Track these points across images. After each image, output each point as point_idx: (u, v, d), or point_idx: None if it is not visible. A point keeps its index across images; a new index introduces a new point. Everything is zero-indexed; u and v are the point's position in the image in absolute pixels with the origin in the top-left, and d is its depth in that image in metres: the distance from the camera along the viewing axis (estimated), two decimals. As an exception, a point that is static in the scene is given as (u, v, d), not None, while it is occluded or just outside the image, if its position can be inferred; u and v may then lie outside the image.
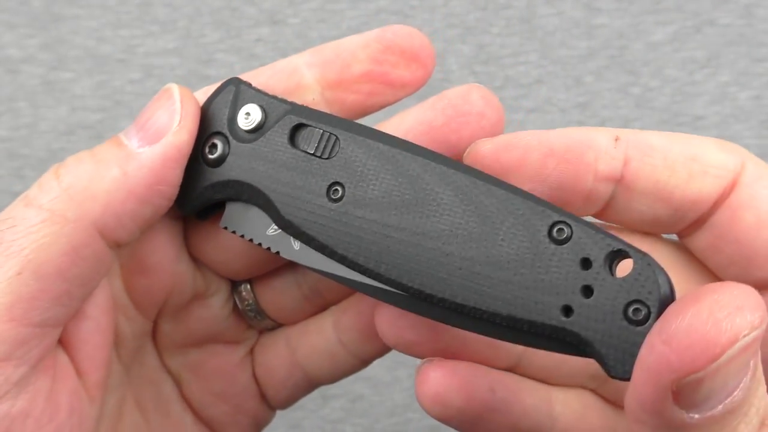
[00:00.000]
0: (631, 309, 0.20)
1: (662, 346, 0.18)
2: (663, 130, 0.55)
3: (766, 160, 0.56)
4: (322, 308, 0.27)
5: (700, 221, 0.24)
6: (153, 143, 0.23)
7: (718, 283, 0.19)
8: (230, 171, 0.24)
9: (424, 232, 0.21)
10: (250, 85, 0.25)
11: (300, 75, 0.25)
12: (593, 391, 0.28)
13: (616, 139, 0.24)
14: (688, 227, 0.25)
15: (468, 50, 0.56)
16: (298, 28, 0.56)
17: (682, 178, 0.24)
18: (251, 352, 0.28)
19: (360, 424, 0.53)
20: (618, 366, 0.20)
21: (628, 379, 0.20)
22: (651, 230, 0.25)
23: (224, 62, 0.55)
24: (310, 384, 0.29)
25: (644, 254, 0.20)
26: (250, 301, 0.27)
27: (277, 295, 0.27)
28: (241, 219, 0.24)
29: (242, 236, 0.24)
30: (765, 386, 0.20)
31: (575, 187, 0.23)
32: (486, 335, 0.22)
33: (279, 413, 0.53)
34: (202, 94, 0.26)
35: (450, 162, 0.22)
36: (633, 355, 0.19)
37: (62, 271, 0.21)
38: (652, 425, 0.19)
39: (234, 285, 0.28)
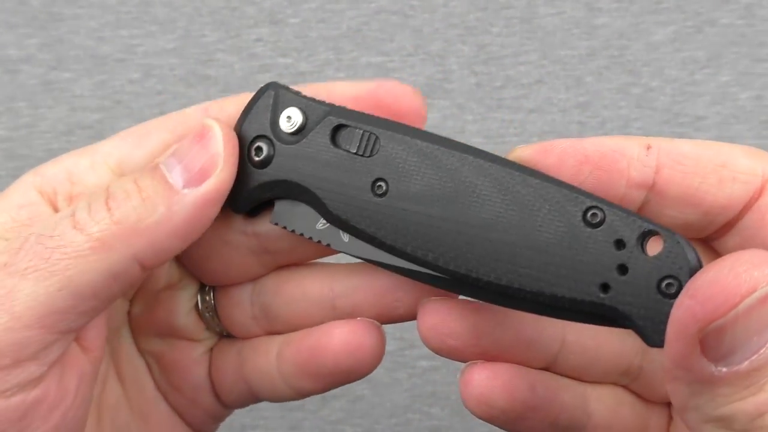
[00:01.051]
0: (664, 283, 0.22)
1: (688, 300, 0.20)
2: (664, 130, 0.55)
3: (766, 160, 0.56)
4: (270, 332, 0.28)
5: (729, 225, 0.26)
6: (196, 185, 0.24)
7: (742, 250, 0.21)
8: (277, 171, 0.25)
9: (467, 221, 0.23)
10: (288, 88, 0.26)
11: None
12: (625, 387, 0.29)
13: (648, 147, 0.25)
14: (717, 231, 0.26)
15: (468, 50, 0.56)
16: (298, 28, 0.56)
17: (712, 184, 0.25)
18: (210, 352, 0.30)
19: (360, 425, 0.53)
20: (655, 336, 0.22)
21: (662, 346, 0.21)
22: (682, 234, 0.26)
23: (224, 62, 0.55)
24: (253, 396, 0.30)
25: (673, 233, 0.22)
26: (210, 305, 0.29)
27: (231, 307, 0.28)
28: (290, 215, 0.26)
29: (293, 231, 0.26)
30: None
31: (609, 192, 0.25)
32: (531, 312, 0.23)
33: (279, 413, 0.53)
34: (234, 106, 0.27)
35: (487, 155, 0.24)
36: (663, 319, 0.21)
37: (97, 292, 0.24)
38: (686, 380, 0.21)
39: (201, 287, 0.29)
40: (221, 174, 0.25)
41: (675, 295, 0.21)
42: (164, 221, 0.24)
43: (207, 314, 0.29)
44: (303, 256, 0.28)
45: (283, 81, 0.53)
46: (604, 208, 0.22)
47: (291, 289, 0.28)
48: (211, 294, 0.29)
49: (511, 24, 0.56)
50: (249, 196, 0.26)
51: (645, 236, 0.22)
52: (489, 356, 0.27)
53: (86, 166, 0.27)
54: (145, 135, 0.27)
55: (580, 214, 0.22)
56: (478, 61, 0.56)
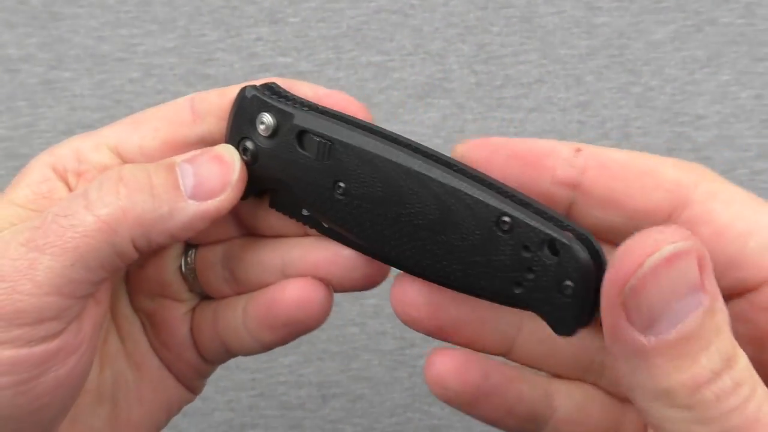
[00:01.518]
0: (561, 286, 0.25)
1: (608, 272, 0.22)
2: (663, 129, 0.55)
3: (766, 159, 0.56)
4: (238, 292, 0.32)
5: None
6: (202, 200, 0.28)
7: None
8: (264, 168, 0.29)
9: (406, 221, 0.26)
10: (260, 91, 0.29)
11: None
12: (594, 384, 0.30)
13: (578, 150, 0.27)
14: None
15: (468, 49, 0.56)
16: (298, 27, 0.56)
17: (636, 189, 0.26)
18: (192, 312, 0.33)
19: (360, 424, 0.53)
20: (561, 327, 0.25)
21: (570, 335, 0.25)
22: (611, 238, 0.27)
23: (224, 61, 0.55)
24: (227, 352, 0.33)
25: (569, 241, 0.25)
26: (191, 267, 0.32)
27: (207, 269, 0.32)
28: (282, 202, 0.30)
29: (285, 214, 0.30)
30: (730, 333, 0.22)
31: (534, 188, 0.27)
32: (470, 294, 0.27)
33: (279, 412, 0.53)
34: (217, 96, 0.31)
35: (427, 159, 0.27)
36: (571, 319, 0.24)
37: (104, 265, 0.27)
38: (623, 356, 0.22)
39: (185, 249, 0.33)
40: (225, 200, 0.28)
41: (573, 296, 0.24)
42: (163, 220, 0.28)
43: (189, 275, 0.33)
44: (281, 233, 0.32)
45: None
46: (514, 215, 0.25)
47: (250, 257, 0.31)
48: (192, 256, 0.33)
49: (511, 23, 0.56)
50: (249, 188, 0.30)
51: (545, 243, 0.25)
52: (447, 330, 0.29)
53: (90, 147, 0.30)
54: (141, 122, 0.30)
55: (493, 220, 0.25)
56: (478, 60, 0.56)
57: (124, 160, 0.30)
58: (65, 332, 0.28)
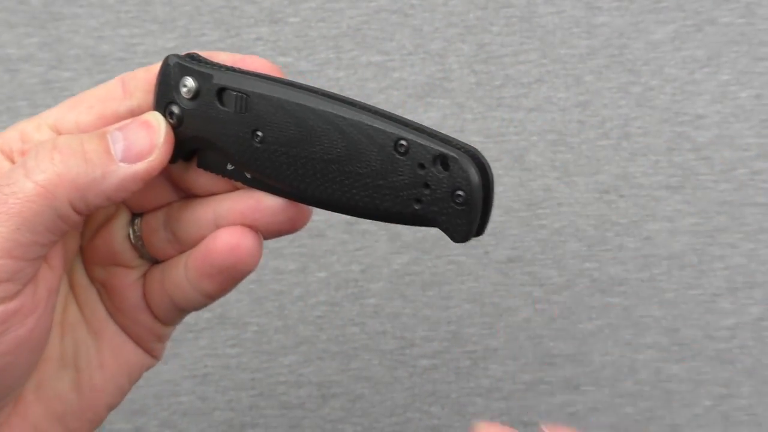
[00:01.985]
0: (454, 195, 0.28)
1: None
2: (663, 129, 0.55)
3: (766, 159, 0.56)
4: (181, 251, 0.34)
5: None
6: (132, 162, 0.31)
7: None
8: (188, 129, 0.31)
9: (316, 158, 0.29)
10: (182, 58, 0.32)
11: None
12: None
13: None
14: None
15: (468, 49, 0.56)
16: (298, 27, 0.56)
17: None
18: (143, 277, 0.35)
19: (360, 424, 0.53)
20: (457, 234, 0.28)
21: (465, 241, 0.28)
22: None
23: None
24: (177, 309, 0.35)
25: (462, 154, 0.28)
26: (138, 235, 0.35)
27: (151, 234, 0.35)
28: (209, 161, 0.32)
29: (213, 172, 0.33)
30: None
31: None
32: (382, 221, 0.30)
33: (279, 412, 0.53)
34: (144, 72, 0.34)
35: (327, 100, 0.30)
36: (465, 225, 0.28)
37: (49, 228, 0.30)
38: None
39: (131, 219, 0.35)
40: (154, 161, 0.31)
41: (464, 203, 0.28)
42: (97, 183, 0.30)
43: (137, 243, 0.35)
44: (207, 188, 0.34)
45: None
46: (409, 139, 0.28)
47: (187, 216, 0.34)
48: (139, 224, 0.35)
49: (510, 23, 0.56)
50: (177, 150, 0.32)
51: (438, 159, 0.28)
52: None
53: (33, 127, 0.33)
54: (77, 102, 0.33)
55: (392, 144, 0.28)
56: (477, 60, 0.56)
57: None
58: (21, 294, 0.30)
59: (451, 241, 0.29)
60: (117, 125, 0.32)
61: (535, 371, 0.53)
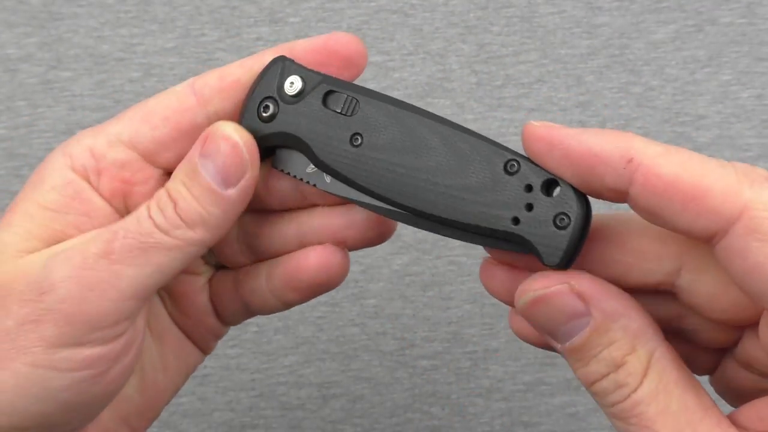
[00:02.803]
0: (558, 219, 0.29)
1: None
2: (664, 129, 0.55)
3: (767, 159, 0.55)
4: (254, 261, 0.35)
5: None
6: (234, 185, 0.31)
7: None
8: (280, 125, 0.32)
9: (419, 168, 0.30)
10: (293, 61, 0.33)
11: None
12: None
13: (629, 161, 0.27)
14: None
15: (468, 49, 0.56)
16: (298, 27, 0.56)
17: (678, 213, 0.27)
18: (209, 282, 0.36)
19: (360, 425, 0.53)
20: (550, 258, 0.29)
21: (556, 267, 0.28)
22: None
23: (224, 61, 0.55)
24: (248, 313, 0.36)
25: (569, 183, 0.29)
26: None
27: (223, 245, 0.35)
28: (287, 161, 0.33)
29: (288, 173, 0.33)
30: (626, 342, 0.27)
31: (585, 186, 0.29)
32: (462, 240, 0.30)
33: (279, 413, 0.53)
34: (238, 68, 0.33)
35: (437, 117, 0.31)
36: (560, 250, 0.28)
37: (176, 272, 0.31)
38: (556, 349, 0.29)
39: None
40: (250, 177, 0.31)
41: (565, 228, 0.28)
42: (219, 218, 0.31)
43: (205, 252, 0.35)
44: (281, 201, 0.35)
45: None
46: (520, 161, 0.29)
47: (267, 231, 0.34)
48: None
49: (511, 23, 0.56)
50: (258, 144, 0.32)
51: (548, 184, 0.29)
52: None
53: (104, 144, 0.32)
54: (149, 114, 0.33)
55: (502, 164, 0.29)
56: (478, 60, 0.56)
57: (139, 153, 0.32)
58: (131, 328, 0.31)
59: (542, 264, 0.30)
60: (197, 151, 0.31)
61: (535, 372, 0.53)
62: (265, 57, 0.32)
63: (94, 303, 0.29)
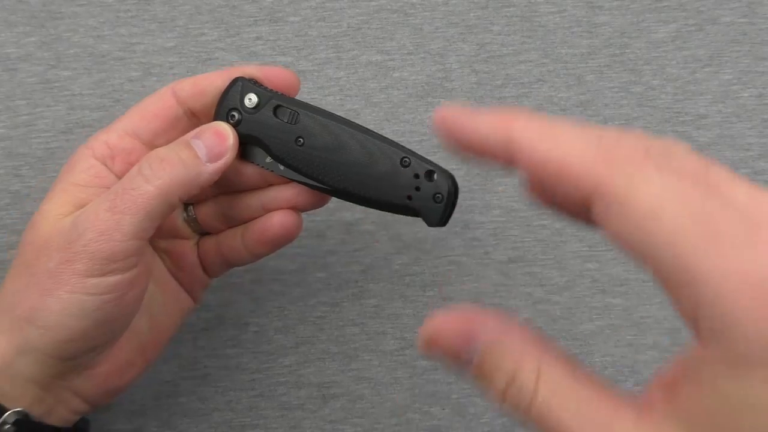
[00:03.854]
0: (435, 196, 0.42)
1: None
2: (665, 129, 0.55)
3: (767, 158, 0.55)
4: (231, 226, 0.47)
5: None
6: (215, 161, 0.42)
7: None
8: (245, 128, 0.44)
9: (342, 162, 0.43)
10: (249, 80, 0.44)
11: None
12: None
13: (510, 142, 0.30)
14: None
15: (468, 49, 0.56)
16: (298, 27, 0.56)
17: (554, 185, 0.30)
18: (197, 244, 0.48)
19: (360, 425, 0.53)
20: (431, 222, 0.42)
21: (436, 226, 0.42)
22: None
23: (224, 60, 0.55)
24: (227, 264, 0.48)
25: (444, 171, 0.42)
26: (192, 216, 0.47)
27: (205, 217, 0.47)
28: (251, 154, 0.44)
29: (252, 162, 0.45)
30: (513, 358, 0.30)
31: (485, 159, 0.32)
32: (375, 208, 0.43)
33: (279, 413, 0.53)
34: (205, 79, 0.45)
35: (355, 125, 0.43)
36: (437, 217, 0.42)
37: (163, 216, 0.41)
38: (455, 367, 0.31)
39: (185, 206, 0.47)
40: (229, 157, 0.43)
41: (440, 202, 0.42)
42: (195, 180, 0.41)
43: (191, 222, 0.47)
44: (247, 183, 0.46)
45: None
46: (411, 158, 0.42)
47: (238, 204, 0.46)
48: (191, 210, 0.47)
49: (511, 22, 0.56)
50: None
51: (429, 173, 0.42)
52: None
53: (116, 137, 0.44)
54: (143, 112, 0.44)
55: (398, 159, 0.42)
56: (478, 59, 0.56)
57: (141, 141, 0.44)
58: (140, 263, 0.41)
59: (426, 225, 0.43)
60: (193, 133, 0.43)
61: (535, 372, 0.53)
62: (224, 75, 0.44)
63: (107, 243, 0.40)
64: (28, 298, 0.40)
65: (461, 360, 0.31)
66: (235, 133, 0.43)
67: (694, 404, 0.27)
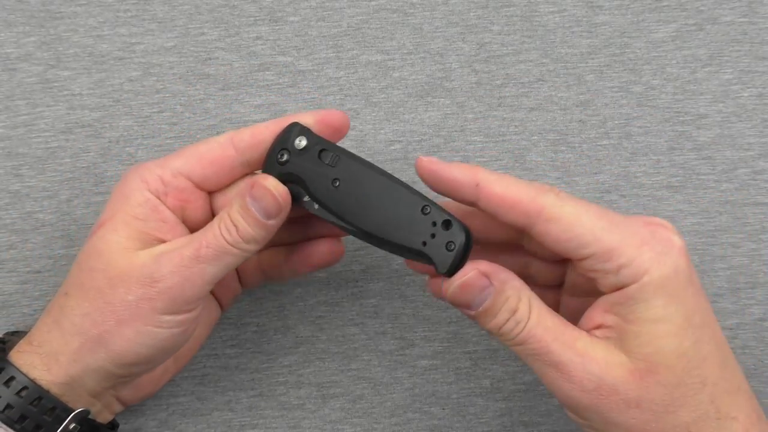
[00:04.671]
0: (448, 245, 0.44)
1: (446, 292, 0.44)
2: (665, 128, 0.55)
3: (767, 159, 0.55)
4: (272, 246, 0.50)
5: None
6: (273, 218, 0.45)
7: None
8: (290, 168, 0.47)
9: (370, 206, 0.45)
10: (302, 126, 0.47)
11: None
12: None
13: (476, 185, 0.44)
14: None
15: (468, 48, 0.56)
16: (298, 26, 0.56)
17: (507, 215, 0.44)
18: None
19: (360, 425, 0.53)
20: (442, 269, 0.44)
21: (445, 275, 0.44)
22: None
23: (223, 60, 0.55)
24: (265, 279, 0.52)
25: (460, 223, 0.44)
26: None
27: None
28: (293, 191, 0.46)
29: (294, 201, 0.47)
30: (516, 297, 0.43)
31: (456, 199, 0.45)
32: (391, 253, 0.46)
33: (279, 413, 0.53)
34: (265, 129, 0.48)
35: (386, 174, 0.46)
36: (447, 264, 0.44)
37: (236, 265, 0.46)
38: (470, 315, 0.44)
39: None
40: (284, 214, 0.46)
41: (452, 251, 0.44)
42: (261, 236, 0.45)
43: None
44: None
45: (282, 79, 0.53)
46: (432, 207, 0.44)
47: (285, 230, 0.48)
48: None
49: (511, 22, 0.56)
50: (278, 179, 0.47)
51: (446, 222, 0.44)
52: None
53: (169, 175, 0.47)
54: (199, 156, 0.47)
55: (420, 208, 0.44)
56: (478, 59, 0.55)
57: (193, 182, 0.47)
58: (206, 300, 0.48)
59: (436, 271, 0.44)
60: (247, 192, 0.45)
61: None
62: (281, 123, 0.47)
63: (188, 288, 0.44)
64: (103, 324, 0.45)
65: (475, 301, 0.43)
66: (286, 190, 0.46)
67: (621, 323, 0.42)
